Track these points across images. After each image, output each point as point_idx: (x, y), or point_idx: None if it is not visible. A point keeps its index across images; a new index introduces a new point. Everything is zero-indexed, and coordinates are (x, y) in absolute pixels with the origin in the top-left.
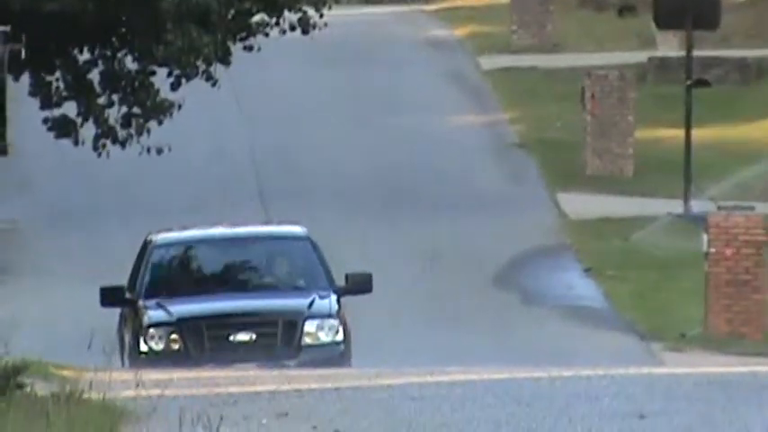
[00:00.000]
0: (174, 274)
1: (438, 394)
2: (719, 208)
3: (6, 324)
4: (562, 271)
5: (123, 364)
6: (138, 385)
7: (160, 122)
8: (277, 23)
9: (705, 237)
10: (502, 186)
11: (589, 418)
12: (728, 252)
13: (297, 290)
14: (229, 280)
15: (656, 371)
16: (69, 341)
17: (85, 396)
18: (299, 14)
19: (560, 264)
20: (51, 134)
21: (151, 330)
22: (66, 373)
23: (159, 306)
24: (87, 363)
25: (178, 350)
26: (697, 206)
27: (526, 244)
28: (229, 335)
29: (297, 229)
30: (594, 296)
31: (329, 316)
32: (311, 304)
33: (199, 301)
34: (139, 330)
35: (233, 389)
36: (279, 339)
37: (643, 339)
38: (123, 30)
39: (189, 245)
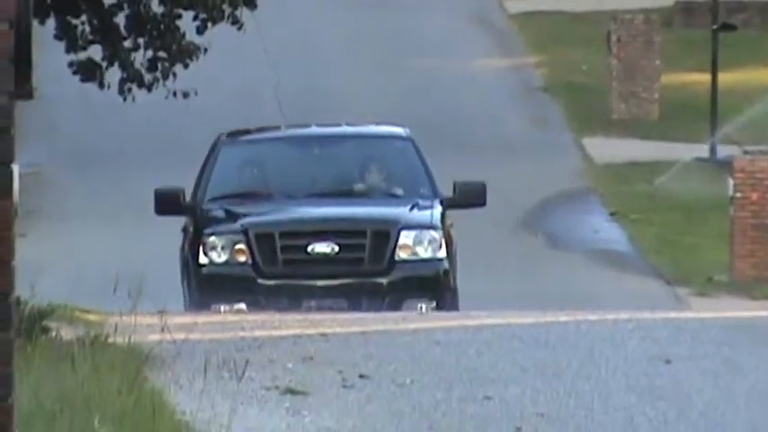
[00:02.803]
0: (246, 176)
1: (464, 339)
2: (745, 152)
3: (32, 268)
4: (588, 215)
5: (183, 291)
6: (163, 329)
7: (186, 66)
8: None
9: (731, 181)
10: (527, 130)
11: (615, 362)
12: (754, 196)
13: (393, 197)
14: (312, 184)
15: (683, 315)
16: (95, 285)
17: (110, 340)
18: None
19: (586, 208)
20: (76, 78)
21: (212, 239)
22: (91, 317)
23: (223, 211)
24: (113, 307)
25: (245, 262)
26: (723, 150)
27: (552, 188)
28: (307, 245)
29: (397, 129)
30: (620, 240)
31: (430, 227)
32: (409, 212)
33: (271, 207)
34: (199, 239)
35: (258, 332)
36: (367, 252)
37: (669, 283)
38: None
39: (265, 143)
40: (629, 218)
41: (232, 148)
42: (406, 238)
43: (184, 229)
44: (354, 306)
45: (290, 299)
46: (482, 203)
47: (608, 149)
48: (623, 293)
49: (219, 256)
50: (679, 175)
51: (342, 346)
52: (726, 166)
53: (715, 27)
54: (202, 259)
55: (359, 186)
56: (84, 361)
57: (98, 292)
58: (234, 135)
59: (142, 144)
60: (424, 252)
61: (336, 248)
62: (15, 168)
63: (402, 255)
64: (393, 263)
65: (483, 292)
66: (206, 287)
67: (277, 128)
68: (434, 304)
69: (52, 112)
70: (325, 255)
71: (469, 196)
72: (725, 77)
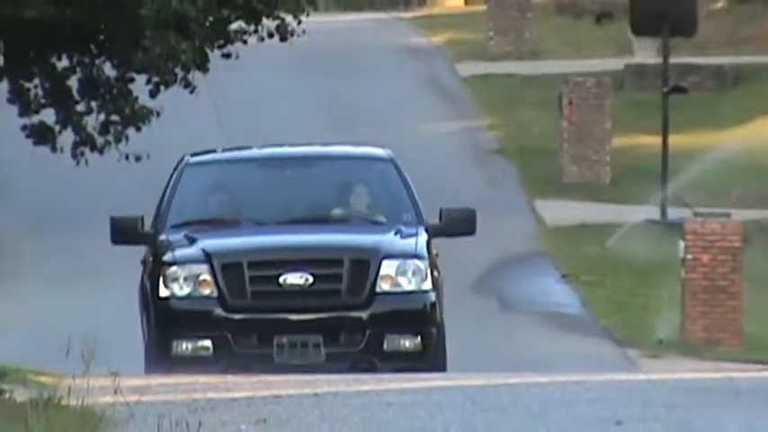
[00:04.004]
0: (212, 200)
1: (415, 400)
2: (696, 214)
3: None
4: (539, 277)
5: (142, 326)
6: (116, 391)
7: (138, 129)
8: (255, 31)
9: (682, 243)
10: (480, 193)
11: (565, 424)
12: (705, 258)
13: (374, 224)
14: (284, 210)
15: (633, 377)
16: (49, 347)
17: (64, 402)
18: (277, 22)
19: (537, 270)
20: (29, 141)
21: (173, 269)
22: (44, 379)
23: (186, 239)
24: (66, 369)
25: (209, 295)
26: (674, 213)
27: (504, 250)
28: (278, 276)
29: (378, 150)
30: (571, 302)
31: (415, 256)
32: (391, 240)
33: (240, 234)
34: (159, 270)
35: (211, 394)
36: (345, 283)
37: (620, 345)
38: (102, 37)
39: (233, 165)
40: (580, 280)
41: (197, 171)
42: (388, 268)
43: (144, 261)
44: (331, 342)
45: (260, 335)
46: (471, 232)
47: (560, 212)
48: (574, 355)
49: (182, 289)
50: (629, 237)
51: (295, 407)
52: (677, 228)
53: (665, 90)
54: (163, 292)
55: (336, 212)
56: (37, 423)
57: (52, 355)
58: (199, 156)
59: (96, 206)
60: (407, 283)
61: (311, 279)
62: None
63: (384, 286)
64: (373, 295)
65: None
66: (167, 322)
67: (247, 148)
68: (419, 340)
69: (6, 173)
70: (298, 286)
71: (457, 224)
72: (676, 140)
